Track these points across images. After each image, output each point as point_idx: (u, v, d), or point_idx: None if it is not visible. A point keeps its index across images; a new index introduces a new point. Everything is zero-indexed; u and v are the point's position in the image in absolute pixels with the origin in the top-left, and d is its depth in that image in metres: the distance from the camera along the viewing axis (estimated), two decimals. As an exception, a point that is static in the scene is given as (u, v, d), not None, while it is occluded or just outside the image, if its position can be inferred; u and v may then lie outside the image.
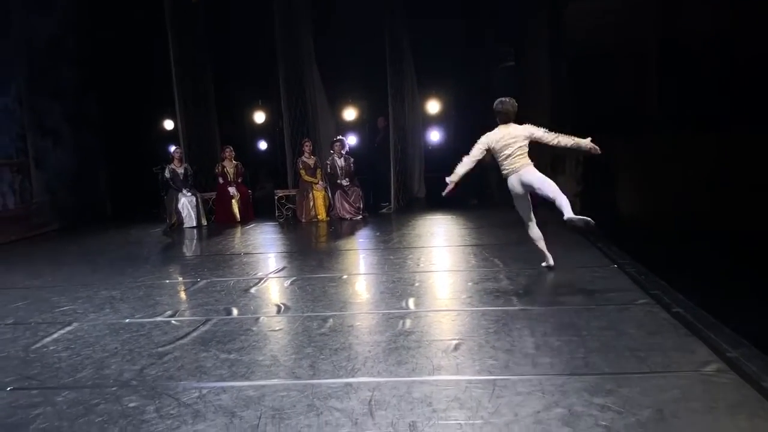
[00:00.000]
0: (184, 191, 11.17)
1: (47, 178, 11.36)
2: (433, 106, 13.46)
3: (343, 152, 11.25)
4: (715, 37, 7.37)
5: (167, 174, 11.27)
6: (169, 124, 13.45)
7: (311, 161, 11.32)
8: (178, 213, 11.11)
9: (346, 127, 13.42)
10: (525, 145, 5.81)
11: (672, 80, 8.10)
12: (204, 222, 11.32)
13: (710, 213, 6.84)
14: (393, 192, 11.98)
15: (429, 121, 13.64)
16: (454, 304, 5.25)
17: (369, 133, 13.70)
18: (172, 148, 11.79)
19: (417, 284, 5.94)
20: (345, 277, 6.51)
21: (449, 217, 10.66)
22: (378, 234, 9.47)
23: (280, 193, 11.91)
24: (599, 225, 5.40)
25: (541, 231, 6.15)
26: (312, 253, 8.24)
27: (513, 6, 12.05)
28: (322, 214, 11.20)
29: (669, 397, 3.21)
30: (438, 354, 3.97)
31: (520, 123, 5.90)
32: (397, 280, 6.09)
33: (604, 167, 9.28)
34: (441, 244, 8.50)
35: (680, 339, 4.08)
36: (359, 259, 7.97)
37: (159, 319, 5.13)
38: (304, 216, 11.21)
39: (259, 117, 13.83)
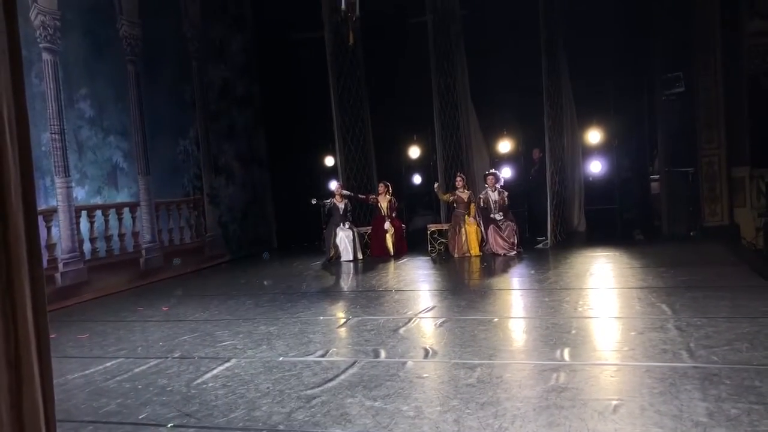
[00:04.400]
0: (342, 225, 11.55)
1: (219, 213, 12.31)
2: (593, 136, 12.83)
3: (497, 186, 11.03)
4: None
5: (329, 204, 11.70)
6: (329, 161, 14.02)
7: (465, 195, 11.22)
8: (336, 247, 11.49)
9: (500, 160, 13.19)
10: None
11: None
12: (360, 256, 11.58)
13: None
14: (550, 226, 11.52)
15: (589, 151, 13.01)
16: (614, 356, 4.85)
17: (524, 166, 13.35)
18: (333, 185, 12.27)
19: (573, 331, 5.57)
20: (496, 320, 6.28)
21: (611, 253, 10.03)
22: (533, 272, 9.09)
23: (432, 227, 11.90)
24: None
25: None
26: (463, 292, 8.08)
27: (682, 27, 11.26)
28: (474, 249, 11.02)
29: None
30: (594, 416, 3.65)
31: None
32: (552, 326, 5.76)
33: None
34: (601, 285, 7.98)
35: None
36: (512, 300, 7.69)
37: (310, 358, 5.24)
38: (456, 251, 11.09)
39: (414, 152, 13.99)
